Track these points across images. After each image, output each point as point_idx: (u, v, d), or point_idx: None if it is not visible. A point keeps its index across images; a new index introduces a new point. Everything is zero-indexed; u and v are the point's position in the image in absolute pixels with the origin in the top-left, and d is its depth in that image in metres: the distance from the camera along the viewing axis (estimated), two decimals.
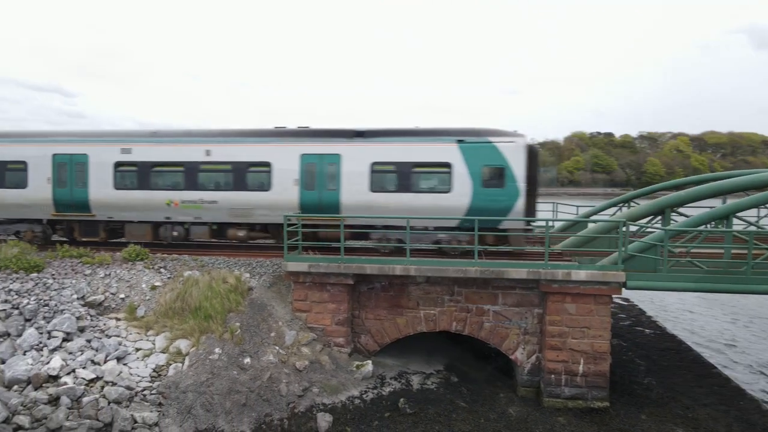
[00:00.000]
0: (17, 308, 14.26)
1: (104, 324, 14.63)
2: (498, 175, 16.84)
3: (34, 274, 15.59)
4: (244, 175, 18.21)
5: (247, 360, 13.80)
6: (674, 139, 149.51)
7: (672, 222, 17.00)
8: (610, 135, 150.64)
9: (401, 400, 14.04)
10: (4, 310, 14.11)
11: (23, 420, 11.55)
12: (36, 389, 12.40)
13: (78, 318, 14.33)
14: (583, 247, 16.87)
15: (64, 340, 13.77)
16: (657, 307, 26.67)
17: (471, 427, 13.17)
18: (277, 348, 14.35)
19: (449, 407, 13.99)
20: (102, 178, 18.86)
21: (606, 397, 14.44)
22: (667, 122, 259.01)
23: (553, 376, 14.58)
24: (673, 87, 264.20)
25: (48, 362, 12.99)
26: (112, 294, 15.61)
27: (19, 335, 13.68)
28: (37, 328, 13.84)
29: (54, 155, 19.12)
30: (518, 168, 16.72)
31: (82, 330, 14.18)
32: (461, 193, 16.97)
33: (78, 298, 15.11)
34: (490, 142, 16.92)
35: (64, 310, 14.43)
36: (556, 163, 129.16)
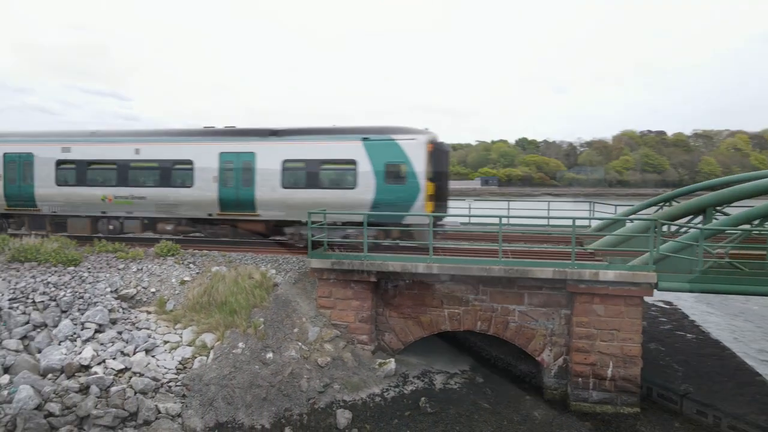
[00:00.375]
0: (54, 300, 14.89)
1: (135, 317, 15.12)
2: (400, 172, 17.12)
3: (71, 268, 16.28)
4: (169, 173, 19.08)
5: (270, 355, 13.96)
6: (732, 137, 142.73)
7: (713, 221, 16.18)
8: (662, 133, 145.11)
9: (423, 399, 13.92)
10: (42, 301, 14.77)
11: (54, 407, 11.99)
12: (68, 378, 12.87)
13: (110, 310, 14.84)
14: (618, 247, 16.28)
15: (97, 331, 14.28)
16: (700, 311, 25.45)
17: (493, 429, 12.93)
18: (299, 344, 14.46)
19: (471, 408, 13.78)
20: (45, 175, 20.16)
21: (636, 403, 13.89)
22: (724, 119, 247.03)
23: (580, 379, 14.13)
24: (730, 82, 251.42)
25: (80, 352, 13.46)
26: (143, 288, 16.12)
27: (55, 326, 14.27)
28: (72, 320, 14.41)
29: (5, 154, 20.53)
30: (419, 165, 16.93)
31: (113, 322, 14.69)
32: (365, 189, 17.34)
33: (111, 292, 15.67)
34: (393, 140, 17.17)
35: (97, 302, 14.99)
36: (603, 163, 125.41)
